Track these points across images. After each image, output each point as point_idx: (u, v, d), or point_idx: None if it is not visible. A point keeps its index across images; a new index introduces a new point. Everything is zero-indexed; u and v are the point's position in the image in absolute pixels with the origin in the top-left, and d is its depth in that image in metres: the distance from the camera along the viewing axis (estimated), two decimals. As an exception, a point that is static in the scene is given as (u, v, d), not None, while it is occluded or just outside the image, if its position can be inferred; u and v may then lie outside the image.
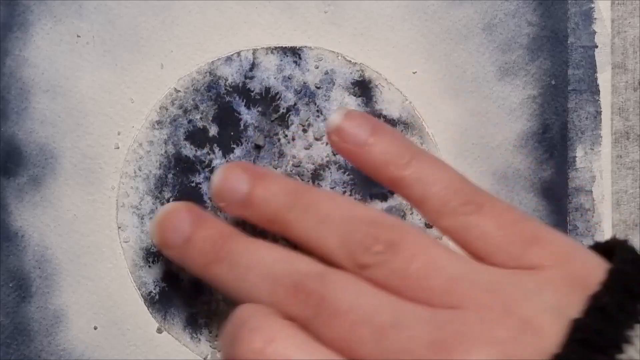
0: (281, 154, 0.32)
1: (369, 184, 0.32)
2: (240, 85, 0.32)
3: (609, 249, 0.25)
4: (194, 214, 0.28)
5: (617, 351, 0.22)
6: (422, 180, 0.26)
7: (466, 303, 0.23)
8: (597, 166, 0.33)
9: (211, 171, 0.32)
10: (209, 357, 0.32)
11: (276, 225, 0.27)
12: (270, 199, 0.27)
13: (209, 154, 0.32)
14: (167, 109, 0.32)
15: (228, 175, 0.28)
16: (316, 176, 0.32)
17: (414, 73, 0.33)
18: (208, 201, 0.32)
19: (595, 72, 0.33)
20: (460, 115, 0.33)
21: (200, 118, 0.32)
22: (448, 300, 0.24)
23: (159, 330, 0.32)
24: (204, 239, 0.27)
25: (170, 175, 0.32)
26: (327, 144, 0.32)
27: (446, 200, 0.26)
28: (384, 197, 0.33)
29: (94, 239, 0.32)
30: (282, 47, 0.33)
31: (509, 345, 0.22)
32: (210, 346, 0.32)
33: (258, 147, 0.32)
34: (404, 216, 0.33)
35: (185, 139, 0.32)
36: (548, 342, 0.22)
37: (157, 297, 0.32)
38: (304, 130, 0.32)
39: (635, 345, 0.22)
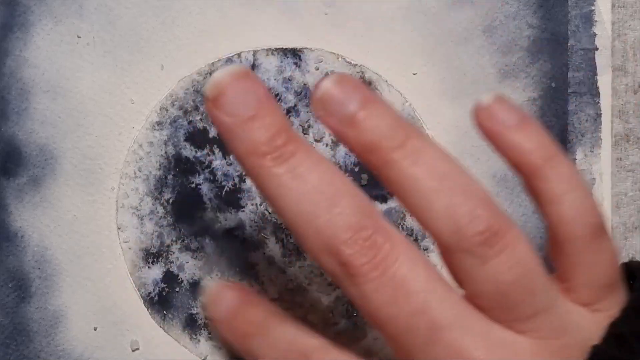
0: (281, 155, 0.32)
1: (369, 186, 0.32)
2: (240, 86, 0.32)
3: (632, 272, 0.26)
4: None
5: None
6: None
7: (534, 333, 0.24)
8: (597, 169, 0.33)
9: (211, 172, 0.32)
10: (208, 357, 0.32)
11: (374, 157, 0.25)
12: (378, 128, 0.25)
13: (209, 155, 0.32)
14: (167, 110, 0.32)
15: (341, 87, 0.25)
16: (316, 178, 0.32)
17: (414, 75, 0.33)
18: (208, 202, 0.32)
19: (595, 74, 0.33)
20: (460, 117, 0.33)
21: (201, 119, 0.32)
22: (522, 327, 0.25)
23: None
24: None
25: (170, 176, 0.32)
26: (327, 145, 0.32)
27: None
28: (384, 199, 0.33)
29: (93, 240, 0.32)
30: (282, 48, 0.33)
31: None
32: (214, 346, 0.32)
33: (258, 148, 0.32)
34: (403, 217, 0.33)
35: (186, 140, 0.32)
36: None
37: (156, 297, 0.32)
38: (304, 132, 0.32)
39: None
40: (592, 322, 0.25)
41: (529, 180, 0.26)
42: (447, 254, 0.25)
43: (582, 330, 0.25)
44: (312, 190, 0.24)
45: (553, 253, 0.26)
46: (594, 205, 0.26)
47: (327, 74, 0.26)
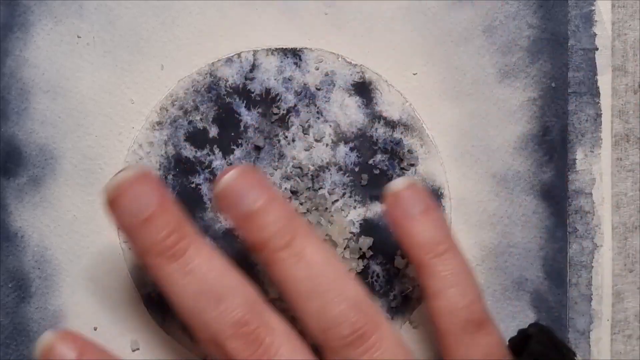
0: (281, 155, 0.32)
1: (369, 186, 0.32)
2: (240, 86, 0.32)
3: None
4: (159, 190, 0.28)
5: None
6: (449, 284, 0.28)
7: None
8: (597, 169, 0.33)
9: (211, 172, 0.32)
10: (208, 357, 0.32)
11: (262, 255, 0.27)
12: (268, 227, 0.27)
13: (209, 155, 0.32)
14: (167, 110, 0.32)
15: (241, 181, 0.27)
16: (316, 177, 0.32)
17: (414, 75, 0.33)
18: (208, 202, 0.32)
19: (595, 74, 0.33)
20: (460, 117, 0.33)
21: (201, 119, 0.32)
22: None
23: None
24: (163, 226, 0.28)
25: (170, 176, 0.32)
26: (327, 145, 0.32)
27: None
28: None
29: (93, 240, 0.32)
30: (282, 48, 0.33)
31: None
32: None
33: (258, 148, 0.32)
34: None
35: (186, 140, 0.32)
36: None
37: (156, 298, 0.32)
38: (305, 132, 0.32)
39: None
40: None
41: (417, 272, 0.28)
42: (320, 351, 0.27)
43: None
44: (200, 286, 0.26)
45: (437, 343, 0.29)
46: (474, 301, 0.28)
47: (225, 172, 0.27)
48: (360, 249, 0.32)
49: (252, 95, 0.32)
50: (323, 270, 0.27)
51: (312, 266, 0.27)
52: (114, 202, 0.27)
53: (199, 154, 0.32)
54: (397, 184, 0.28)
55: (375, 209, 0.32)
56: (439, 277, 0.28)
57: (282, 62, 0.33)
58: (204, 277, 0.26)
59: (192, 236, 0.27)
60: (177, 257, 0.26)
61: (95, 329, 0.32)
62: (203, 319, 0.26)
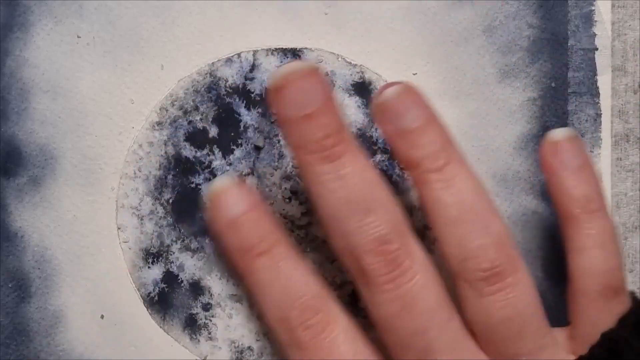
0: (281, 156, 0.32)
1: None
2: (240, 86, 0.32)
3: None
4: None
5: None
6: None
7: None
8: (596, 169, 0.33)
9: (211, 172, 0.32)
10: (208, 357, 0.32)
11: (414, 173, 0.27)
12: (424, 148, 0.26)
13: (209, 155, 0.32)
14: (167, 110, 0.32)
15: (402, 100, 0.27)
16: (316, 178, 0.32)
17: (414, 75, 0.33)
18: (208, 202, 0.32)
19: (595, 74, 0.33)
20: (460, 117, 0.33)
21: (200, 119, 0.32)
22: None
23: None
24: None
25: (170, 176, 0.32)
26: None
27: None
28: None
29: (93, 240, 0.32)
30: (282, 48, 0.33)
31: None
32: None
33: (258, 149, 0.32)
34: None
35: (185, 140, 0.32)
36: None
37: (156, 298, 0.32)
38: (304, 132, 0.32)
39: None
40: None
41: (564, 224, 0.28)
42: (453, 278, 0.27)
43: None
44: (350, 194, 0.25)
45: (568, 300, 0.28)
46: (616, 268, 0.27)
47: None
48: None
49: (252, 95, 0.32)
50: (472, 201, 0.26)
51: (461, 194, 0.26)
52: (278, 91, 0.26)
53: (198, 154, 0.32)
54: (559, 133, 0.28)
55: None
56: (585, 234, 0.27)
57: (282, 62, 0.33)
58: (355, 186, 0.26)
59: (350, 144, 0.26)
60: (331, 159, 0.26)
61: (94, 329, 0.32)
62: (345, 228, 0.26)
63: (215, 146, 0.32)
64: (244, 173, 0.32)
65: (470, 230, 0.26)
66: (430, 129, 0.27)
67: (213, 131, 0.32)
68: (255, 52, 0.33)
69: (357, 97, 0.33)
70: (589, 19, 0.33)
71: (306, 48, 0.33)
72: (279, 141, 0.32)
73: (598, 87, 0.33)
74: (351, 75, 0.33)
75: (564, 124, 0.33)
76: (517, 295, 0.26)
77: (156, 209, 0.32)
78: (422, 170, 0.26)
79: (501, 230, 0.27)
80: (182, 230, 0.32)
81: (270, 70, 0.32)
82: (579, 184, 0.27)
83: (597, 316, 0.27)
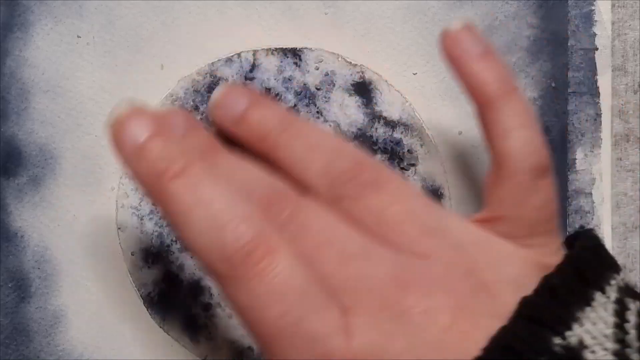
0: (281, 155, 0.32)
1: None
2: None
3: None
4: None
5: (566, 329, 0.22)
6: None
7: (433, 255, 0.24)
8: (596, 169, 0.33)
9: (211, 172, 0.32)
10: (208, 357, 0.32)
11: (265, 145, 0.26)
12: (264, 121, 0.26)
13: (209, 155, 0.32)
14: (167, 110, 0.32)
15: (228, 93, 0.27)
16: (316, 177, 0.32)
17: (414, 74, 0.33)
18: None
19: (595, 74, 0.33)
20: (460, 117, 0.33)
21: (200, 119, 0.32)
22: (417, 249, 0.24)
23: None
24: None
25: (170, 176, 0.32)
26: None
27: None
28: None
29: (93, 240, 0.32)
30: (282, 48, 0.33)
31: (464, 300, 0.23)
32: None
33: (258, 148, 0.32)
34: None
35: (185, 140, 0.32)
36: (501, 310, 0.23)
37: (156, 298, 0.32)
38: (304, 132, 0.32)
39: (584, 326, 0.22)
40: (519, 257, 0.25)
41: (482, 111, 0.27)
42: (334, 204, 0.25)
43: (506, 264, 0.24)
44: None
45: (489, 186, 0.27)
46: (541, 146, 0.27)
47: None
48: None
49: (252, 95, 0.32)
50: (321, 139, 0.26)
51: (309, 137, 0.26)
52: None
53: (198, 154, 0.32)
54: (455, 25, 0.27)
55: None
56: (507, 114, 0.26)
57: (282, 62, 0.33)
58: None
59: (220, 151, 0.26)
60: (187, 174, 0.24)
61: (94, 329, 0.32)
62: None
63: (215, 146, 0.32)
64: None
65: (330, 158, 0.25)
66: (263, 104, 0.26)
67: (213, 131, 0.32)
68: (255, 52, 0.33)
69: (357, 97, 0.33)
70: (589, 19, 0.33)
71: (306, 48, 0.33)
72: (279, 141, 0.32)
73: (598, 87, 0.33)
74: (351, 75, 0.33)
75: (563, 124, 0.33)
76: (392, 187, 0.25)
77: (156, 208, 0.32)
78: (272, 138, 0.26)
79: (357, 151, 0.26)
80: (182, 230, 0.32)
81: (270, 70, 0.32)
82: (489, 68, 0.27)
83: (528, 196, 0.26)
